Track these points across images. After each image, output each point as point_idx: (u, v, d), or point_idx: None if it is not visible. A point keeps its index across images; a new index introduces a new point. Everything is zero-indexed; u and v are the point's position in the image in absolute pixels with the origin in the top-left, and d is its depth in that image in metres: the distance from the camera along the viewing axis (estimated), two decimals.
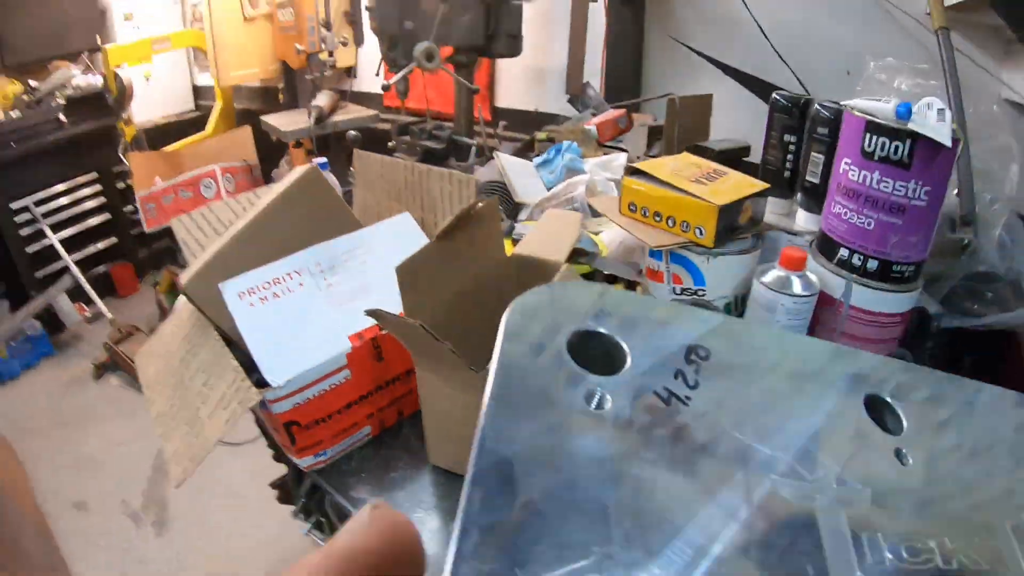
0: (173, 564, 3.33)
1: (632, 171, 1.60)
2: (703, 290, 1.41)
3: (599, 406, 0.71)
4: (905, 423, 0.81)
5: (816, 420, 0.79)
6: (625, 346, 0.78)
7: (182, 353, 1.31)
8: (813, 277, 1.32)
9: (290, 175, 1.48)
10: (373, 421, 1.37)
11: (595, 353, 0.83)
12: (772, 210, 1.73)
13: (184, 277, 1.29)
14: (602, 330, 0.79)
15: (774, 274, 1.25)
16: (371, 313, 1.05)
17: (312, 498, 1.84)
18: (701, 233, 1.42)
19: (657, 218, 1.48)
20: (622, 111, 2.82)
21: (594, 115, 2.95)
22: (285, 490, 2.16)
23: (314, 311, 1.27)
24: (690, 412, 0.74)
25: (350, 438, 1.35)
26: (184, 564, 3.37)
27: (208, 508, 3.61)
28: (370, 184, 1.66)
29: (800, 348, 0.87)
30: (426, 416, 1.28)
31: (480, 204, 1.24)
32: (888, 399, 0.81)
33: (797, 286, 1.23)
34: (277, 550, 3.26)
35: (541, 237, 1.33)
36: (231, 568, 3.24)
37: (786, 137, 1.75)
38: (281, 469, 2.16)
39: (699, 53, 2.85)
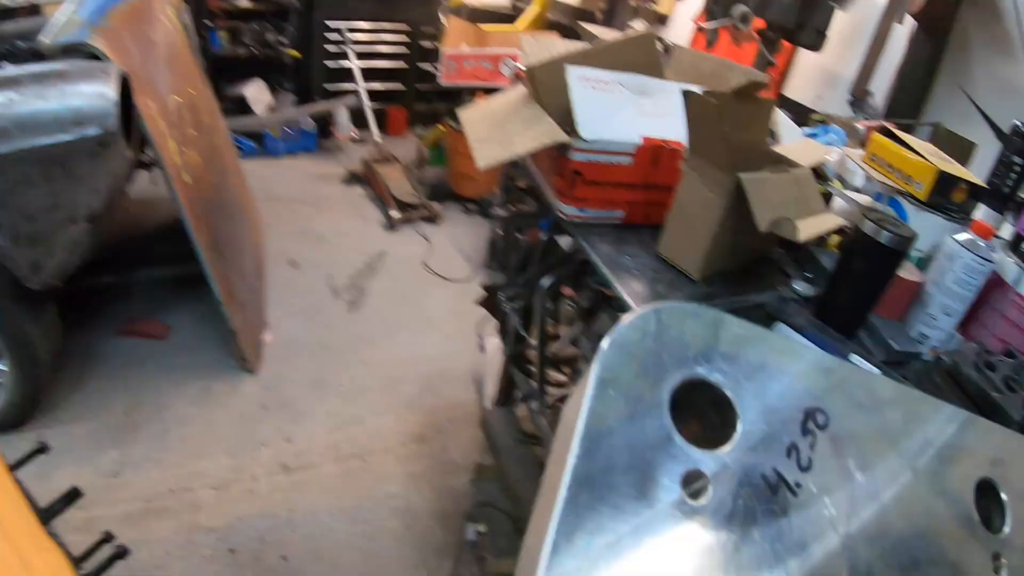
0: (351, 339, 3.56)
1: (885, 131, 1.85)
2: None
3: (697, 495, 0.61)
4: (1008, 520, 0.71)
5: (921, 518, 0.69)
6: (737, 405, 0.66)
7: (506, 113, 1.78)
8: (996, 252, 1.38)
9: (630, 30, 1.83)
10: (628, 209, 1.76)
11: (701, 404, 0.71)
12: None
13: (529, 63, 1.72)
14: (712, 380, 0.67)
15: (965, 235, 1.31)
16: (686, 93, 1.42)
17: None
18: (920, 187, 1.61)
19: (889, 169, 1.73)
20: (891, 124, 2.68)
21: (866, 119, 2.85)
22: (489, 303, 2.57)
23: (625, 111, 1.70)
24: (796, 502, 0.63)
25: (607, 211, 1.74)
26: (359, 343, 3.54)
27: (398, 314, 3.82)
28: (682, 71, 1.99)
29: (924, 409, 0.74)
30: (672, 212, 1.59)
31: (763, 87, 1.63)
32: (998, 487, 0.71)
33: (981, 249, 1.25)
34: (437, 369, 3.47)
35: (794, 148, 1.69)
36: (394, 366, 3.42)
37: (1015, 158, 1.75)
38: (476, 311, 2.67)
39: (981, 112, 2.67)
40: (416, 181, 5.06)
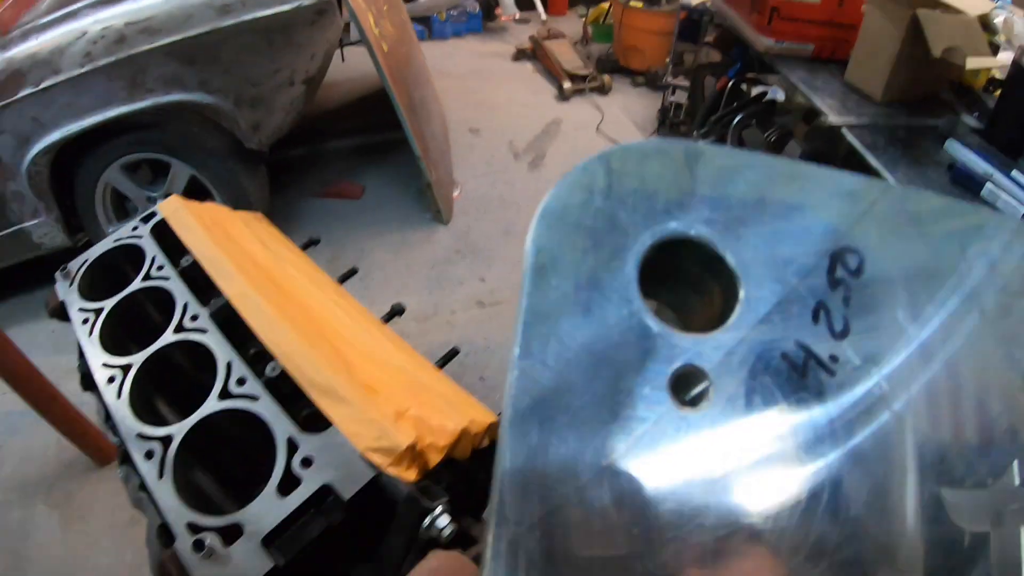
0: (533, 194, 3.79)
1: None
2: None
3: (696, 400, 0.44)
4: None
5: (998, 374, 0.50)
6: (734, 264, 0.47)
7: None
8: None
9: None
10: (817, 44, 2.09)
11: (686, 274, 0.52)
12: None
13: None
14: (694, 235, 0.48)
15: None
16: None
17: None
18: None
19: None
20: None
21: None
22: None
23: None
24: (835, 383, 0.45)
25: (799, 44, 2.10)
26: (541, 198, 4.05)
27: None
28: None
29: (984, 224, 0.54)
30: (858, 43, 1.93)
31: None
32: None
33: None
34: None
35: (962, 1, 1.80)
36: None
37: None
38: None
39: None
40: (584, 56, 5.17)
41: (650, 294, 0.52)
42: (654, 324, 0.42)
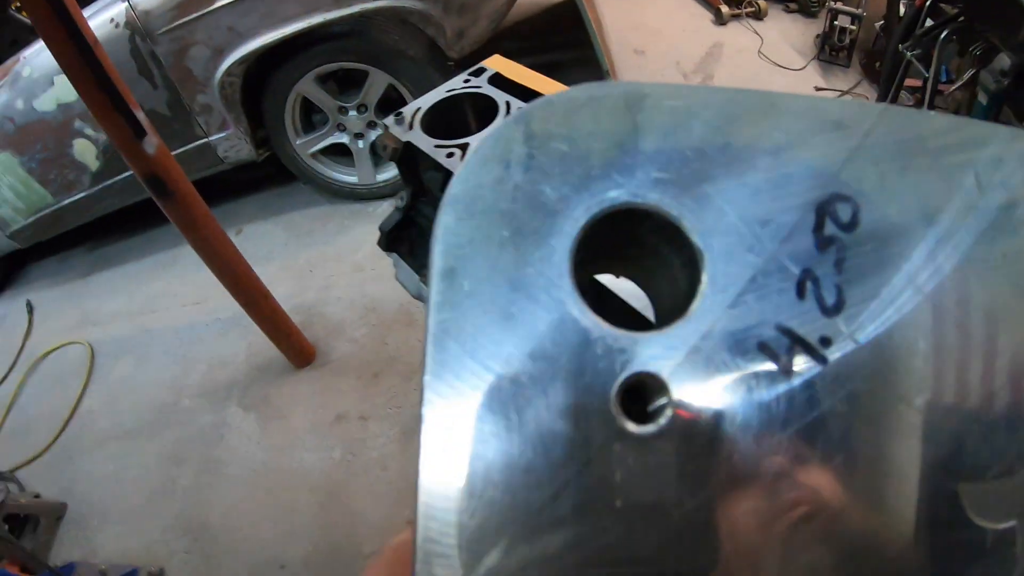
0: None
1: None
2: None
3: (650, 412, 0.35)
4: None
5: None
6: (693, 234, 0.38)
7: None
8: None
9: None
10: None
11: (644, 243, 0.42)
12: None
13: None
14: (640, 202, 0.38)
15: None
16: None
17: None
18: None
19: None
20: None
21: None
22: None
23: None
24: (829, 374, 0.36)
25: None
26: None
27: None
28: None
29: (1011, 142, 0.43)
30: None
31: None
32: None
33: None
34: None
35: None
36: None
37: None
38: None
39: None
40: None
41: (610, 270, 0.43)
42: (593, 326, 0.34)
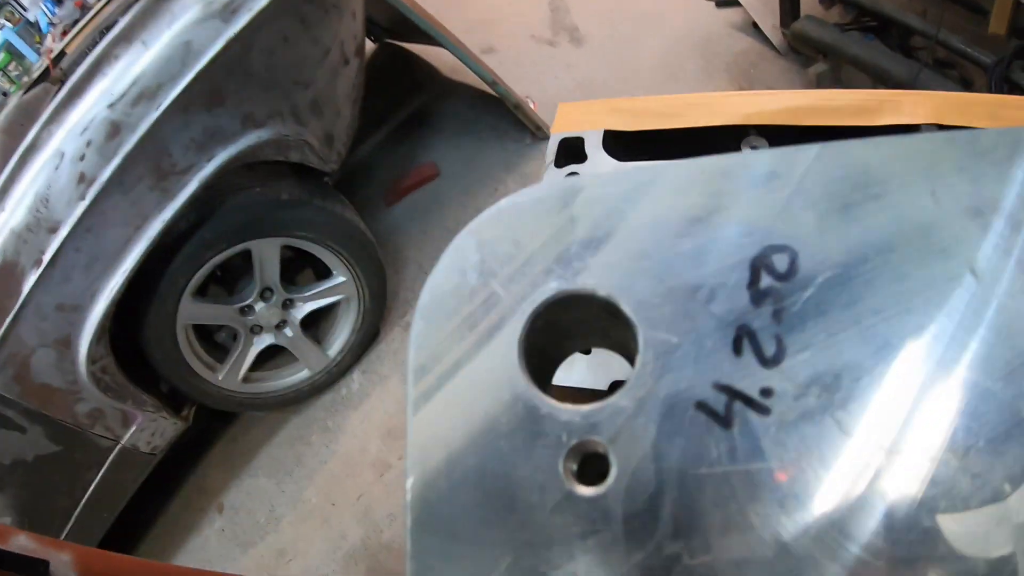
0: (599, 62, 3.49)
1: None
2: None
3: (597, 474, 0.38)
4: None
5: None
6: (627, 309, 0.40)
7: None
8: None
9: None
10: None
11: (579, 332, 0.46)
12: None
13: None
14: (576, 289, 0.42)
15: None
16: None
17: None
18: None
19: None
20: None
21: None
22: None
23: None
24: (771, 423, 0.36)
25: None
26: (598, 67, 3.50)
27: (617, 25, 3.69)
28: None
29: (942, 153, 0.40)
30: None
31: None
32: None
33: None
34: (699, 39, 3.42)
35: None
36: (651, 67, 3.39)
37: None
38: None
39: None
40: None
41: (579, 348, 0.47)
42: (542, 404, 0.38)
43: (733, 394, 0.36)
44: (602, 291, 0.39)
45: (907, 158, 0.39)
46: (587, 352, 0.47)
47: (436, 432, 0.39)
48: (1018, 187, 0.38)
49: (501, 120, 3.09)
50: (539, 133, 3.07)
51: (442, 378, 0.40)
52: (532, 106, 3.10)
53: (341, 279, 2.34)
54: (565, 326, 0.42)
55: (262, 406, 2.67)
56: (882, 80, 2.79)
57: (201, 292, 2.25)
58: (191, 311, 2.21)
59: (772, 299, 0.37)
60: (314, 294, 2.38)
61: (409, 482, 0.38)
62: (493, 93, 2.81)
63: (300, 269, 2.48)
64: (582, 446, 0.37)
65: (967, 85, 2.60)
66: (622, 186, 0.42)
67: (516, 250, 0.42)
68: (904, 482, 0.34)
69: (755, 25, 3.43)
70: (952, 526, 0.33)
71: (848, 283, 0.37)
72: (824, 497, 0.34)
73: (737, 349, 0.37)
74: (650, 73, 3.34)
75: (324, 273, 2.37)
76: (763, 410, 0.35)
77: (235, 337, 2.39)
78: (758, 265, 0.38)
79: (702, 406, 0.36)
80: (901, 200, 0.38)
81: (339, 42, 2.14)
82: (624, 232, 0.40)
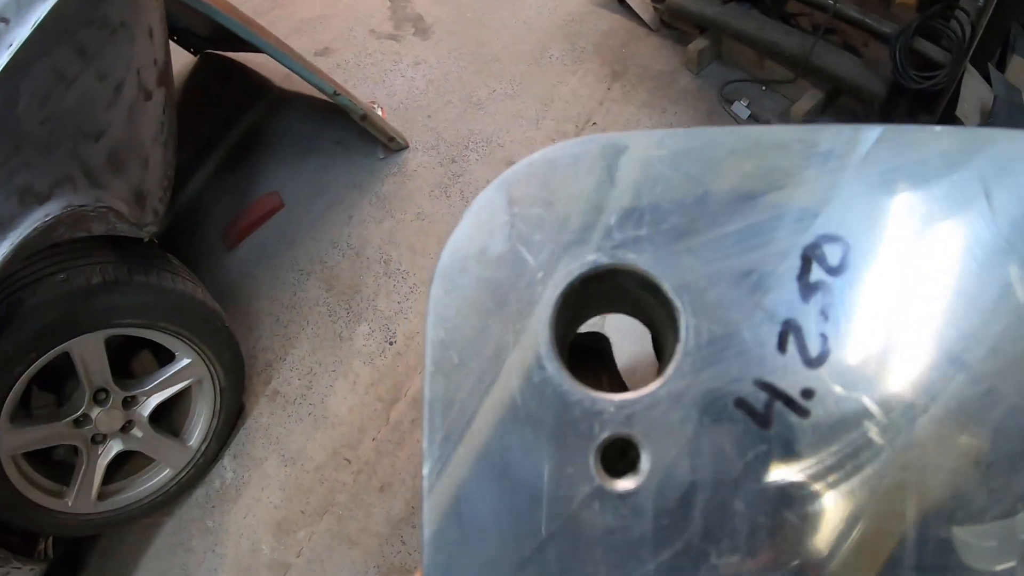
0: (447, 55, 3.20)
1: None
2: None
3: (627, 466, 0.37)
4: None
5: None
6: (671, 293, 0.38)
7: None
8: None
9: None
10: None
11: (629, 296, 0.42)
12: None
13: None
14: (616, 263, 0.38)
15: None
16: None
17: None
18: None
19: None
20: None
21: None
22: None
23: None
24: (809, 426, 0.35)
25: None
26: (450, 59, 3.23)
27: (464, 10, 3.45)
28: None
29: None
30: None
31: None
32: None
33: None
34: (561, 18, 3.27)
35: None
36: (525, 37, 3.20)
37: None
38: None
39: None
40: None
41: (602, 311, 0.45)
42: (572, 390, 0.36)
43: (774, 393, 0.35)
44: (645, 268, 0.36)
45: (967, 152, 0.37)
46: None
47: (456, 415, 0.37)
48: None
49: (347, 132, 2.69)
50: (392, 144, 2.69)
51: (463, 354, 0.37)
52: (380, 113, 2.75)
53: (186, 361, 1.97)
54: (591, 295, 0.39)
55: (128, 520, 2.26)
56: (772, 54, 2.67)
57: (24, 405, 1.83)
58: (12, 441, 1.81)
59: (821, 294, 0.35)
60: (157, 385, 1.98)
61: (426, 468, 0.36)
62: (334, 103, 2.44)
63: (136, 352, 2.07)
64: (613, 439, 0.35)
65: (855, 54, 2.56)
66: (669, 149, 0.38)
67: (548, 213, 0.38)
68: (927, 492, 0.34)
69: (620, 0, 3.18)
70: (964, 537, 0.33)
71: (900, 286, 0.35)
72: (852, 506, 0.34)
73: (782, 345, 0.35)
74: (511, 61, 3.06)
75: (166, 354, 1.97)
76: (803, 412, 0.34)
77: (76, 452, 1.98)
78: (810, 255, 0.36)
79: (742, 403, 0.35)
80: (953, 197, 0.36)
81: (134, 71, 1.67)
82: (671, 204, 0.37)
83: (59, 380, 1.90)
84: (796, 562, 0.33)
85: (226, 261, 2.62)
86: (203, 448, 2.22)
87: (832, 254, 0.36)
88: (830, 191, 0.36)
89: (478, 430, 0.36)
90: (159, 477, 2.18)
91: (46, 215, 1.48)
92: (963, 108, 2.02)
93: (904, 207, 0.36)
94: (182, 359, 1.95)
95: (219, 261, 2.61)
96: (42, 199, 1.48)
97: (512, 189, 0.39)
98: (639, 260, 0.37)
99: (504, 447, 0.36)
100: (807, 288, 0.35)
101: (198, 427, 2.18)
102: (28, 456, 1.90)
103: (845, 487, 0.34)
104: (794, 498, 0.34)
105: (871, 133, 0.37)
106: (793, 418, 0.34)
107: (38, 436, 1.87)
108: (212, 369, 2.05)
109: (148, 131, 1.76)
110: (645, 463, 0.35)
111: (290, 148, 2.87)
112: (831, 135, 0.37)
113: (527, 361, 0.36)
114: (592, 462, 0.35)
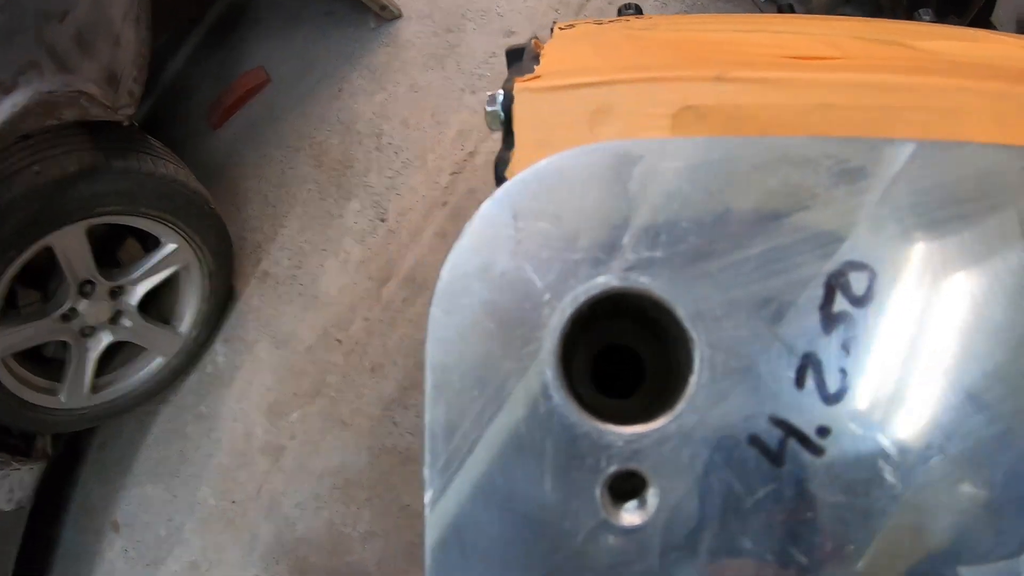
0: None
1: None
2: None
3: (634, 500, 0.35)
4: None
5: None
6: (686, 322, 0.35)
7: None
8: None
9: None
10: None
11: (644, 317, 0.39)
12: None
13: None
14: (629, 286, 0.35)
15: None
16: None
17: None
18: None
19: None
20: None
21: None
22: None
23: None
24: (824, 469, 0.33)
25: None
26: None
27: None
28: None
29: None
30: None
31: None
32: None
33: None
34: None
35: None
36: None
37: None
38: None
39: None
40: None
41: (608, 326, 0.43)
42: (579, 421, 0.35)
43: (789, 430, 0.34)
44: (664, 294, 0.34)
45: (1004, 175, 0.34)
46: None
47: (457, 442, 0.36)
48: None
49: (337, 2, 2.50)
50: (384, 13, 2.51)
51: (464, 379, 0.35)
52: None
53: (172, 247, 1.92)
54: (597, 314, 0.37)
55: (123, 410, 2.29)
56: None
57: (11, 305, 1.81)
58: (1, 342, 1.79)
59: (844, 326, 0.34)
60: (144, 272, 1.96)
61: (427, 495, 0.35)
62: None
63: (121, 241, 2.01)
64: (621, 473, 0.34)
65: None
66: (687, 160, 0.35)
67: (556, 228, 0.35)
68: (936, 533, 0.33)
69: None
70: None
71: (924, 319, 0.34)
72: (860, 546, 0.34)
73: (800, 380, 0.34)
74: None
75: (152, 240, 1.93)
76: (817, 451, 0.33)
77: (66, 347, 1.97)
78: (834, 284, 0.34)
79: (755, 441, 0.34)
80: (987, 226, 0.34)
81: None
82: (688, 223, 0.34)
83: (44, 276, 1.88)
84: None
85: (212, 141, 2.53)
86: (194, 334, 2.20)
87: (857, 283, 0.34)
88: (858, 213, 0.34)
89: (480, 459, 0.35)
90: (151, 365, 2.18)
91: (13, 105, 1.42)
92: (1001, 13, 1.91)
93: (934, 234, 0.34)
94: (167, 244, 1.91)
95: (204, 141, 2.53)
96: (7, 89, 1.42)
97: (517, 201, 0.35)
98: (652, 285, 0.34)
99: (508, 477, 0.35)
100: (829, 319, 0.34)
101: (187, 313, 2.16)
102: (18, 356, 1.91)
103: (854, 527, 0.33)
104: (801, 536, 0.33)
105: (904, 149, 0.34)
106: (807, 456, 0.33)
107: (27, 335, 1.87)
108: (199, 253, 2.01)
109: (118, 7, 1.65)
110: (653, 499, 0.34)
111: (276, 20, 2.70)
112: (863, 151, 0.34)
113: (533, 390, 0.35)
114: (598, 495, 0.34)
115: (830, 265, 0.34)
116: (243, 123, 2.54)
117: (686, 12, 2.38)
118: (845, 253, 0.34)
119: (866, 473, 0.33)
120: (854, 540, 0.33)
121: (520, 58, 0.60)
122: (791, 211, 0.34)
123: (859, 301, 0.34)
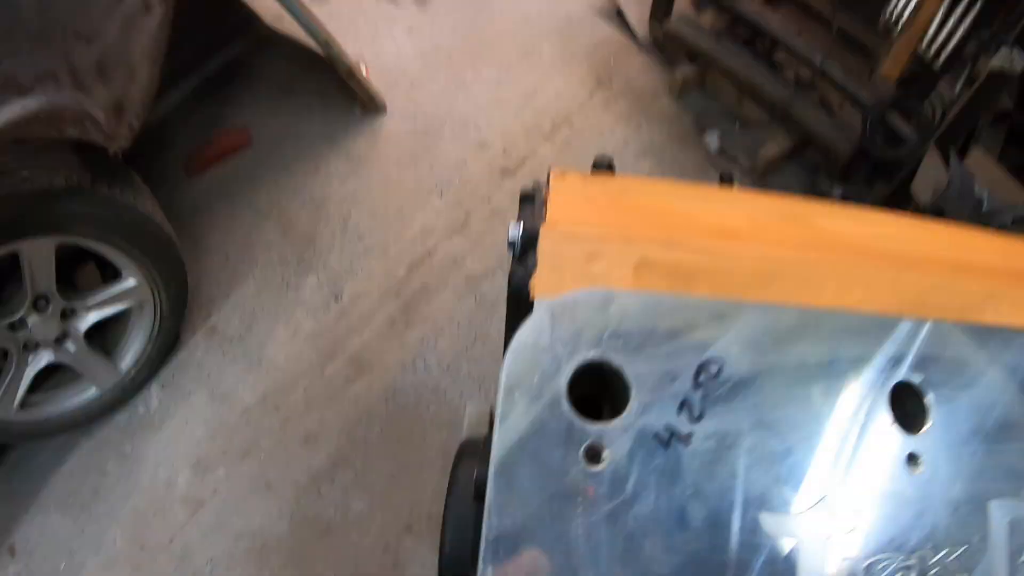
0: (448, 29, 3.30)
1: None
2: None
3: (596, 459, 0.72)
4: (929, 417, 0.75)
5: (821, 438, 0.73)
6: (630, 379, 0.74)
7: None
8: None
9: None
10: None
11: (606, 381, 0.78)
12: None
13: None
14: (603, 359, 0.75)
15: None
16: None
17: None
18: None
19: None
20: None
21: None
22: None
23: None
24: (689, 452, 0.73)
25: None
26: (444, 34, 3.29)
27: None
28: None
29: (837, 324, 0.77)
30: None
31: None
32: (915, 384, 0.76)
33: None
34: (561, 19, 3.30)
35: None
36: (522, 31, 3.28)
37: None
38: None
39: None
40: None
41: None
42: (573, 418, 0.71)
43: (672, 432, 0.71)
44: (618, 363, 0.72)
45: (818, 327, 0.75)
46: None
47: (510, 434, 0.71)
48: None
49: (328, 84, 2.73)
50: (370, 105, 2.77)
51: (522, 394, 0.72)
52: (364, 71, 2.79)
53: (132, 282, 1.98)
54: (584, 374, 0.74)
55: (45, 434, 2.24)
56: (753, 96, 2.84)
57: None
58: None
59: (704, 387, 0.72)
60: (100, 301, 2.01)
61: (496, 435, 0.70)
62: (322, 53, 2.47)
63: (80, 262, 2.07)
64: (592, 444, 0.71)
65: (830, 112, 2.78)
66: (636, 303, 0.74)
67: (572, 325, 0.73)
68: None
69: (619, 13, 3.29)
70: None
71: (749, 385, 0.73)
72: (708, 512, 0.71)
73: (680, 410, 0.72)
74: (501, 49, 3.16)
75: (112, 272, 1.99)
76: (686, 443, 0.71)
77: (5, 356, 1.94)
78: (701, 367, 0.73)
79: (656, 435, 0.71)
80: (801, 349, 0.74)
81: None
82: (634, 331, 0.73)
83: (1, 280, 1.89)
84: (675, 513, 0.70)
85: (185, 188, 2.64)
86: (133, 372, 2.21)
87: (713, 368, 0.73)
88: (717, 336, 0.73)
89: (521, 425, 0.71)
90: (83, 396, 2.17)
91: (24, 108, 1.48)
92: (918, 184, 2.16)
93: (755, 353, 0.74)
94: (128, 279, 1.98)
95: (177, 187, 2.63)
96: (23, 91, 1.48)
97: (554, 310, 0.73)
98: (613, 358, 0.72)
99: (534, 442, 0.71)
100: (696, 383, 0.72)
101: (131, 350, 2.17)
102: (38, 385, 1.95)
103: (708, 483, 0.71)
104: (681, 484, 0.71)
105: (742, 309, 0.74)
106: (680, 446, 0.71)
107: (13, 381, 1.91)
108: (156, 294, 2.06)
109: (141, 45, 1.73)
110: (607, 459, 0.70)
111: (269, 86, 2.89)
112: (725, 307, 0.74)
113: (553, 401, 0.71)
114: (581, 455, 0.71)
115: (701, 359, 0.73)
116: (219, 178, 2.67)
117: (648, 160, 2.83)
118: (709, 353, 0.73)
119: (710, 459, 0.71)
120: (709, 492, 0.70)
121: (532, 200, 0.94)
122: (686, 332, 0.73)
123: (714, 376, 0.72)
